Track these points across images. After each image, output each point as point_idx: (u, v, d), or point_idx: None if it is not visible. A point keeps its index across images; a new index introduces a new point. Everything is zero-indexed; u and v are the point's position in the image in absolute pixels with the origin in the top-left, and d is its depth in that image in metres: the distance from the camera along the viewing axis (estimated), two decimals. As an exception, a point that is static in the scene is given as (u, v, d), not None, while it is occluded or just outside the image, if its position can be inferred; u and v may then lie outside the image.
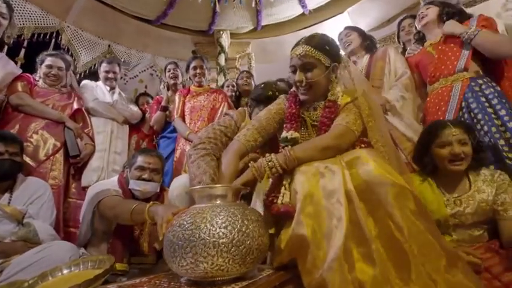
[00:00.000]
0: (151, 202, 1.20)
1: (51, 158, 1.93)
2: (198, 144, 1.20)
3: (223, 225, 0.72)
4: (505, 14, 2.10)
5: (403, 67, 1.93)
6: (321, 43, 1.14)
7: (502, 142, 1.41)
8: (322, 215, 0.82)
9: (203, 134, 1.27)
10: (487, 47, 1.57)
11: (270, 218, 1.05)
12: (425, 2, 2.06)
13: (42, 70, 2.19)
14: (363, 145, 1.11)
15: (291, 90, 1.26)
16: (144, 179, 1.50)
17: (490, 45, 1.56)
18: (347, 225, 0.77)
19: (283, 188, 0.98)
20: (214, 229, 0.71)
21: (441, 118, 1.61)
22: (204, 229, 0.71)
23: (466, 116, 1.55)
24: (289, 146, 1.06)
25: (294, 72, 1.17)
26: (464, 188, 1.25)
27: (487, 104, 1.51)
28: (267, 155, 1.01)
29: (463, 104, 1.57)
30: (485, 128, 1.47)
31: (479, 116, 1.50)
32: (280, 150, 1.09)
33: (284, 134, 1.16)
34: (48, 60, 2.20)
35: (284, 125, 1.19)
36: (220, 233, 0.71)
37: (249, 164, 0.99)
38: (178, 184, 1.31)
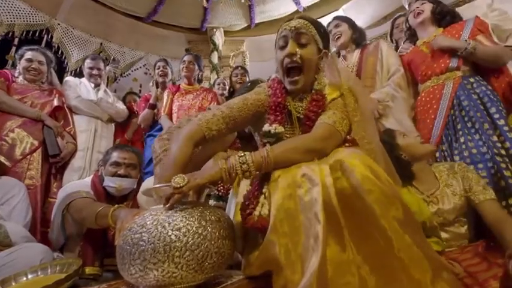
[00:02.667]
0: (115, 205, 1.13)
1: (28, 157, 1.86)
2: (164, 134, 1.09)
3: (177, 227, 0.65)
4: (491, 14, 2.06)
5: (396, 64, 1.84)
6: (316, 23, 1.02)
7: (494, 138, 1.38)
8: (298, 232, 0.72)
9: (175, 124, 1.16)
10: (486, 61, 1.57)
11: (241, 222, 0.98)
12: None
13: (21, 65, 2.09)
14: (347, 144, 0.98)
15: (274, 76, 1.10)
16: (119, 175, 1.43)
17: (488, 59, 1.56)
18: (324, 247, 0.67)
19: (262, 197, 0.84)
20: (165, 232, 0.64)
21: (432, 116, 1.59)
22: (154, 232, 0.64)
23: (457, 113, 1.53)
24: (268, 145, 0.92)
25: (283, 47, 0.98)
26: (435, 184, 1.28)
27: (479, 102, 1.48)
28: (240, 153, 0.86)
29: (455, 102, 1.54)
30: (477, 125, 1.44)
31: (471, 113, 1.47)
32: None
33: (267, 127, 0.99)
34: (28, 54, 2.11)
35: (267, 116, 1.02)
36: (173, 236, 0.64)
37: (218, 162, 0.84)
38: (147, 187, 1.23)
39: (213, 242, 0.67)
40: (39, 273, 1.12)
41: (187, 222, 0.67)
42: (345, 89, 1.02)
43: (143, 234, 0.65)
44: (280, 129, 0.98)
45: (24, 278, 1.09)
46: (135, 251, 0.64)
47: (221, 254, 0.69)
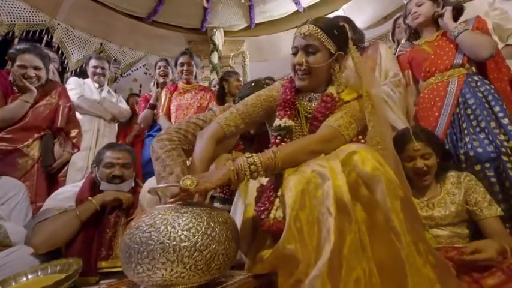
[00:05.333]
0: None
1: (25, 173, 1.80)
2: (163, 134, 1.08)
3: (186, 227, 0.65)
4: (492, 13, 2.05)
5: (395, 68, 1.80)
6: (329, 26, 1.02)
7: (501, 137, 1.36)
8: (313, 226, 0.74)
9: (175, 125, 1.16)
10: (468, 46, 1.53)
11: (250, 223, 0.97)
12: None
13: (14, 70, 1.80)
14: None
15: (288, 76, 1.14)
16: (114, 176, 1.40)
17: (470, 45, 1.52)
18: (335, 238, 0.68)
19: (277, 200, 0.87)
20: (175, 231, 0.64)
21: (436, 114, 1.56)
22: (163, 231, 0.64)
23: (462, 112, 1.50)
24: (274, 147, 0.95)
25: (295, 54, 1.04)
26: (436, 191, 1.28)
27: (484, 100, 1.46)
28: (247, 154, 0.88)
29: (460, 99, 1.52)
30: (483, 123, 1.42)
31: (478, 111, 1.45)
32: (270, 145, 1.00)
33: (277, 121, 1.05)
34: (20, 59, 1.81)
35: (277, 112, 1.08)
36: (182, 236, 0.63)
37: (226, 164, 0.85)
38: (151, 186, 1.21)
39: (220, 244, 0.68)
40: (39, 273, 1.11)
41: (196, 222, 0.66)
42: (364, 92, 1.01)
43: (152, 233, 0.64)
44: (290, 122, 1.03)
45: (24, 278, 1.08)
46: (143, 250, 0.63)
47: (227, 256, 0.70)
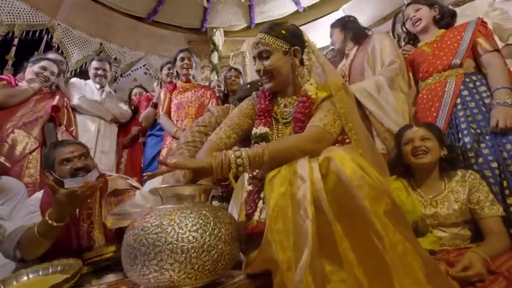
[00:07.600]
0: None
1: (28, 156, 1.87)
2: (175, 152, 1.17)
3: (194, 228, 0.65)
4: (492, 13, 2.04)
5: (392, 55, 1.72)
6: (276, 29, 1.10)
7: (499, 141, 1.35)
8: (291, 228, 0.74)
9: (181, 139, 1.23)
10: None
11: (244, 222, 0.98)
12: (409, 2, 1.87)
13: (34, 68, 2.16)
14: (337, 144, 1.01)
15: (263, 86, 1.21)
16: (78, 168, 1.26)
17: None
18: (313, 241, 0.68)
19: (260, 201, 0.88)
20: (183, 232, 0.64)
21: (434, 114, 1.56)
22: (171, 233, 0.64)
23: (459, 112, 1.49)
24: (263, 143, 0.97)
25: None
26: (440, 189, 1.27)
27: (481, 103, 1.46)
28: (235, 148, 0.88)
29: (458, 100, 1.51)
30: (481, 124, 1.42)
31: (475, 112, 1.45)
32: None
33: (254, 130, 1.11)
34: (44, 62, 2.23)
35: (255, 122, 1.15)
36: (190, 237, 0.64)
37: (213, 154, 0.85)
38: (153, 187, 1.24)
39: (226, 244, 0.68)
40: (40, 272, 1.10)
41: (203, 223, 0.67)
42: (334, 87, 1.05)
43: (160, 234, 0.64)
44: (265, 129, 1.09)
45: (25, 278, 1.07)
46: (150, 251, 0.63)
47: (232, 256, 0.71)
